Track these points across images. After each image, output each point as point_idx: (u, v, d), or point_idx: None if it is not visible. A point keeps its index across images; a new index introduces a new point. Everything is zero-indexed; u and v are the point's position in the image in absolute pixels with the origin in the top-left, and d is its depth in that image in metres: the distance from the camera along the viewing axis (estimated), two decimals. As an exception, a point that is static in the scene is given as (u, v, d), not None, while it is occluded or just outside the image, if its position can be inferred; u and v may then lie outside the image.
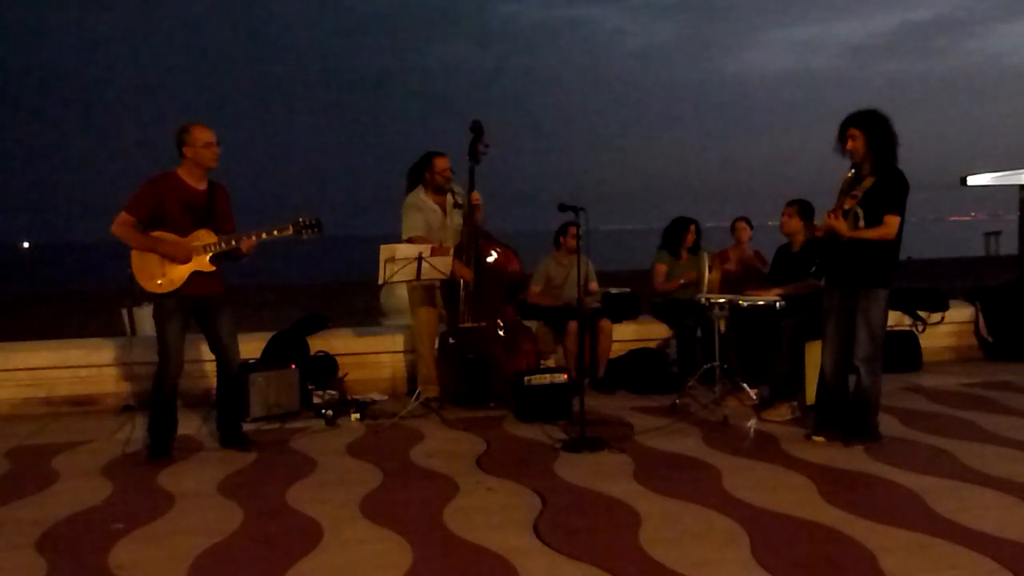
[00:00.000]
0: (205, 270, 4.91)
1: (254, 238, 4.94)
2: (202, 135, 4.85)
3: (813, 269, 5.09)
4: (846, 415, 4.96)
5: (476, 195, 6.05)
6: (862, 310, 4.81)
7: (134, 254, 4.87)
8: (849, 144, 4.83)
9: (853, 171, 4.87)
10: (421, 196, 6.17)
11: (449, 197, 6.18)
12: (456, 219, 6.17)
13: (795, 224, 6.06)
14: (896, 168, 4.82)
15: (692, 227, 7.17)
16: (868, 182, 4.77)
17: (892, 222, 4.74)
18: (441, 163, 6.13)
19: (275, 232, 4.98)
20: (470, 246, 6.07)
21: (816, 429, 5.06)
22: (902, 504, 3.98)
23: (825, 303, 5.05)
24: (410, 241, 5.93)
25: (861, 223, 4.79)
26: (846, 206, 4.77)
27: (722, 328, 6.09)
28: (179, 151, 4.88)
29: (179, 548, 3.58)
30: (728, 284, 7.05)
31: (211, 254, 4.90)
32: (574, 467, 4.67)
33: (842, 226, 4.75)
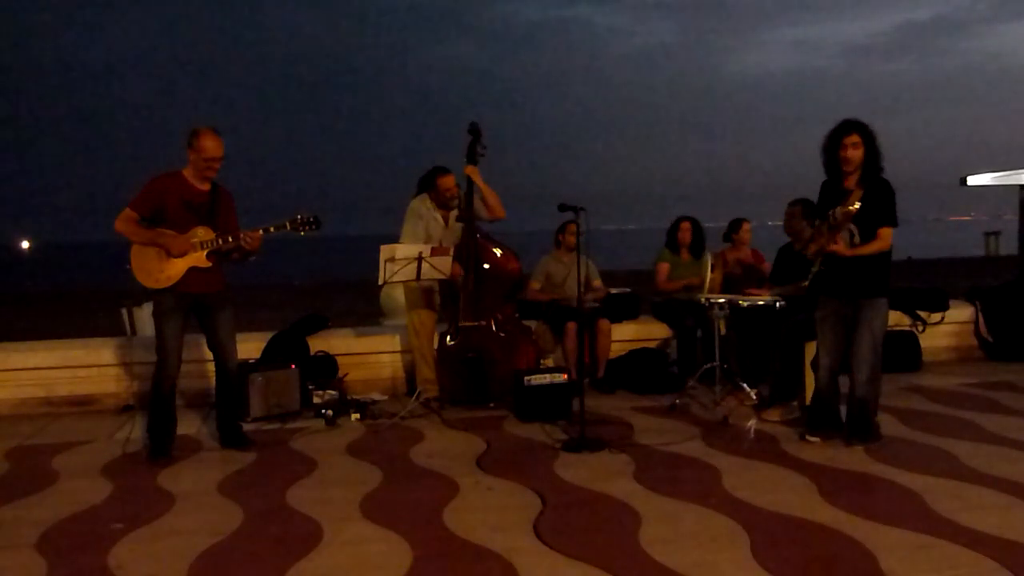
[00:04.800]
0: (202, 266, 4.92)
1: (261, 232, 4.95)
2: (207, 148, 4.86)
3: (805, 283, 5.05)
4: (847, 417, 4.94)
5: (470, 168, 6.05)
6: (866, 319, 4.77)
7: (133, 251, 4.89)
8: (849, 151, 4.73)
9: (828, 185, 4.82)
10: (427, 204, 6.18)
11: (454, 212, 6.21)
12: (459, 231, 6.18)
13: (798, 223, 6.05)
14: (882, 179, 4.77)
15: (683, 224, 7.17)
16: (856, 196, 4.68)
17: (887, 235, 4.73)
18: (444, 183, 6.12)
19: (272, 229, 5.00)
20: (469, 245, 6.08)
21: (810, 430, 5.05)
22: (902, 504, 3.98)
23: (820, 311, 4.99)
24: None
25: (856, 239, 4.74)
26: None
27: (722, 328, 6.08)
28: (186, 151, 4.91)
29: (179, 548, 3.58)
30: (728, 285, 7.04)
31: (208, 251, 4.92)
32: (574, 467, 4.67)
33: (842, 249, 4.70)
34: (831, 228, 4.69)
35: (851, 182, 4.79)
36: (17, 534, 3.79)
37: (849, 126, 4.78)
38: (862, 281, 4.78)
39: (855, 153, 4.74)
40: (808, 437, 5.02)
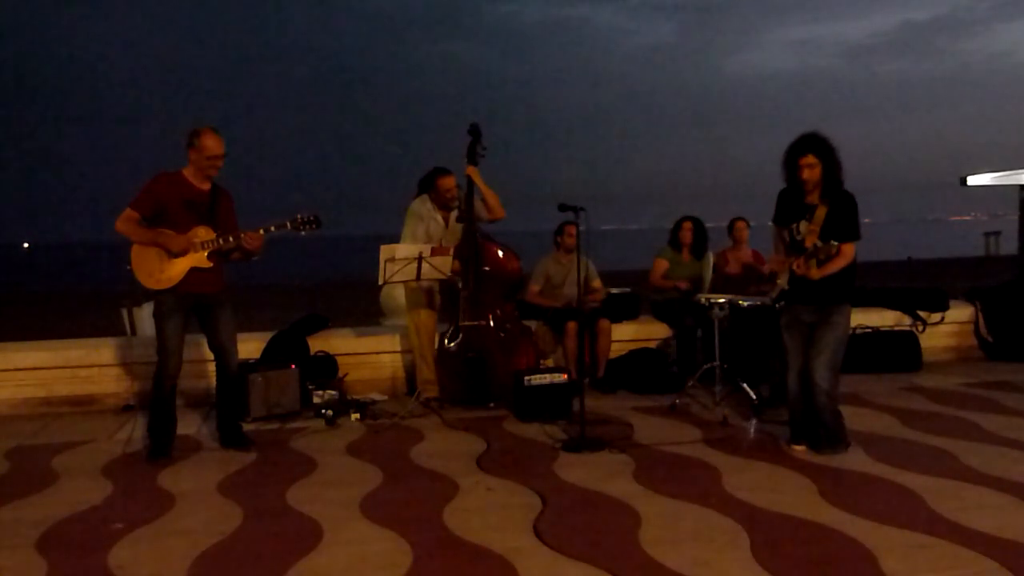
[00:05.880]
0: (202, 266, 4.92)
1: (261, 232, 4.95)
2: (209, 145, 4.87)
3: (777, 306, 5.03)
4: (813, 426, 4.86)
5: (471, 168, 6.08)
6: (833, 324, 4.72)
7: (134, 251, 4.90)
8: (805, 173, 4.67)
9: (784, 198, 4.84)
10: (427, 205, 6.19)
11: (454, 212, 6.22)
12: (459, 231, 6.19)
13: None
14: (845, 192, 4.73)
15: (685, 224, 7.19)
16: (822, 212, 4.68)
17: (850, 251, 4.69)
18: (444, 183, 6.13)
19: (272, 228, 4.99)
20: (469, 245, 6.08)
21: (794, 439, 4.95)
22: (902, 504, 3.98)
23: (785, 317, 4.95)
24: None
25: (821, 255, 4.66)
26: (807, 245, 4.67)
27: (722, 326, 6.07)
28: (186, 151, 4.91)
29: (179, 548, 3.58)
30: (729, 285, 7.04)
31: (209, 251, 4.92)
32: (574, 467, 4.67)
33: (812, 272, 4.66)
34: (802, 253, 4.68)
35: (813, 198, 4.76)
36: (17, 534, 3.79)
37: (804, 146, 4.70)
38: (829, 288, 4.72)
39: (811, 174, 4.68)
40: (793, 446, 4.93)
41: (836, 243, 4.61)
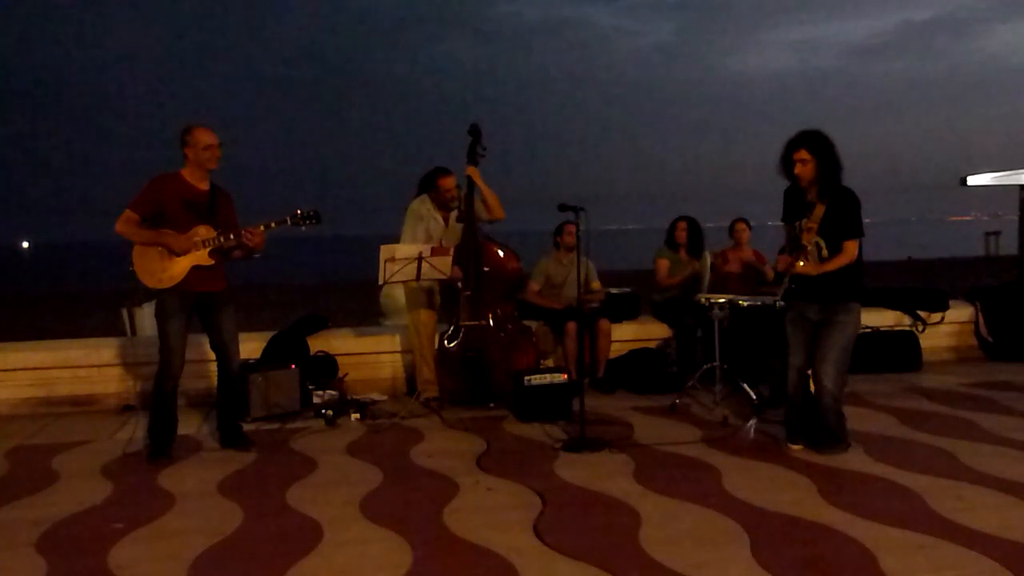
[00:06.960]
0: (204, 264, 4.92)
1: (262, 228, 4.95)
2: (203, 138, 4.89)
3: (779, 304, 5.05)
4: (815, 424, 4.86)
5: (471, 169, 6.07)
6: (840, 323, 4.71)
7: (135, 252, 4.91)
8: (798, 168, 4.68)
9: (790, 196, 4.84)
10: (427, 205, 6.20)
11: (454, 212, 6.22)
12: (459, 231, 6.19)
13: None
14: (844, 188, 4.72)
15: (679, 224, 7.20)
16: (820, 210, 4.67)
17: (852, 247, 4.68)
18: (445, 183, 6.14)
19: (272, 225, 5.00)
20: (470, 245, 6.08)
21: (791, 437, 4.96)
22: (902, 504, 3.98)
23: (791, 314, 4.92)
24: None
25: (824, 252, 4.70)
26: (805, 242, 4.67)
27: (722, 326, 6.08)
28: (182, 151, 4.92)
29: (179, 548, 3.58)
30: (728, 284, 7.05)
31: (210, 248, 4.92)
32: (574, 467, 4.67)
33: (810, 269, 4.66)
34: (796, 249, 4.69)
35: (812, 195, 4.75)
36: (17, 534, 3.79)
37: (798, 141, 4.69)
38: (835, 286, 4.71)
39: (804, 170, 4.68)
40: (790, 445, 4.93)
41: (819, 240, 4.64)
